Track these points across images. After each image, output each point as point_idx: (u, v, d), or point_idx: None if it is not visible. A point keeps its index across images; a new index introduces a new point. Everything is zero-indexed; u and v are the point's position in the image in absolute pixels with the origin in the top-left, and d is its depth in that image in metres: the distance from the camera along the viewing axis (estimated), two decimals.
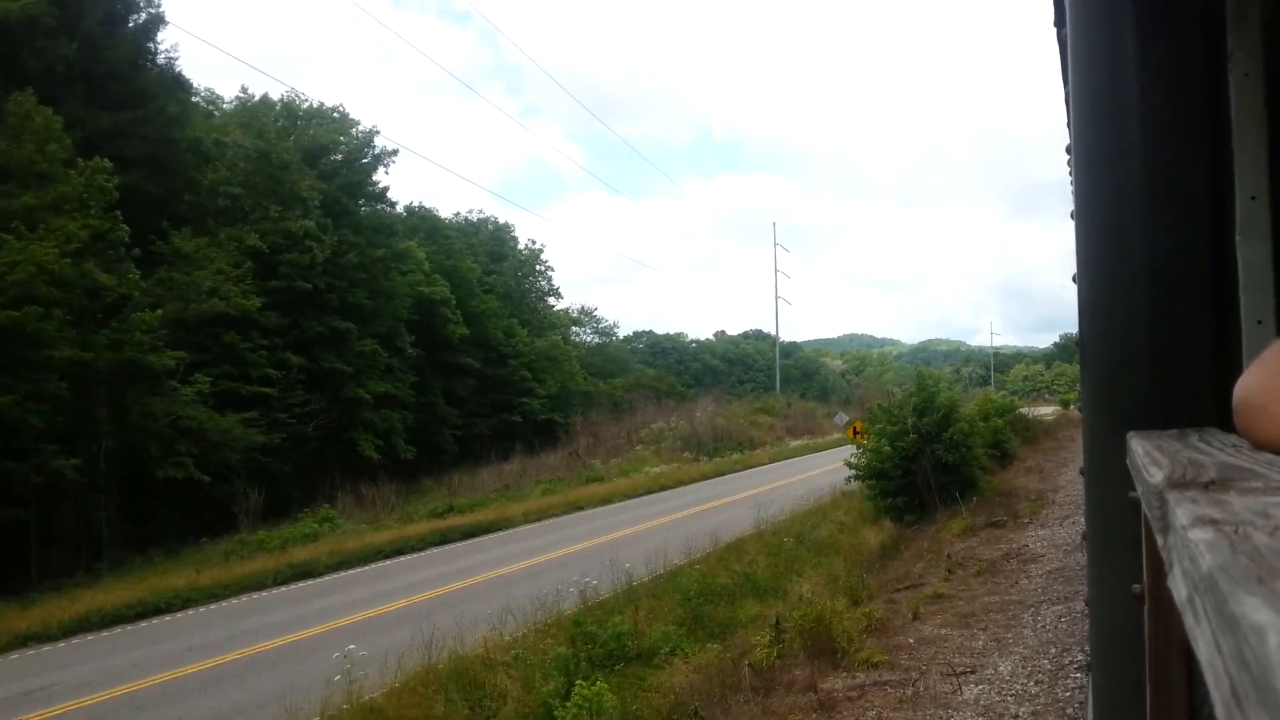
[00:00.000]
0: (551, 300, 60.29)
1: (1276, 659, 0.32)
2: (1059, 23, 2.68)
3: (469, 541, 19.60)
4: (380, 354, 33.54)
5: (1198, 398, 1.80)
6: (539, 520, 21.61)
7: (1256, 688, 0.32)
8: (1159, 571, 1.16)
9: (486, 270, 54.10)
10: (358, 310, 33.68)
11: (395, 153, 37.38)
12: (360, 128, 36.91)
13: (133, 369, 23.46)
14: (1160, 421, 1.65)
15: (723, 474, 30.04)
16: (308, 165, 34.07)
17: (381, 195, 37.24)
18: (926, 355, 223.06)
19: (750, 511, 20.10)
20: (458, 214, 58.95)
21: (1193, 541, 0.53)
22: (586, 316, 68.33)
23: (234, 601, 16.46)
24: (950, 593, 9.93)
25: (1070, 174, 2.65)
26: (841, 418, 36.04)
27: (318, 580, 17.58)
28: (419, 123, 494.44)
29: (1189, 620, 0.49)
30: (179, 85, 32.85)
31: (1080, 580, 8.90)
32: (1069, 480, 22.02)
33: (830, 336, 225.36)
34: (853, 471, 19.60)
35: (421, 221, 47.60)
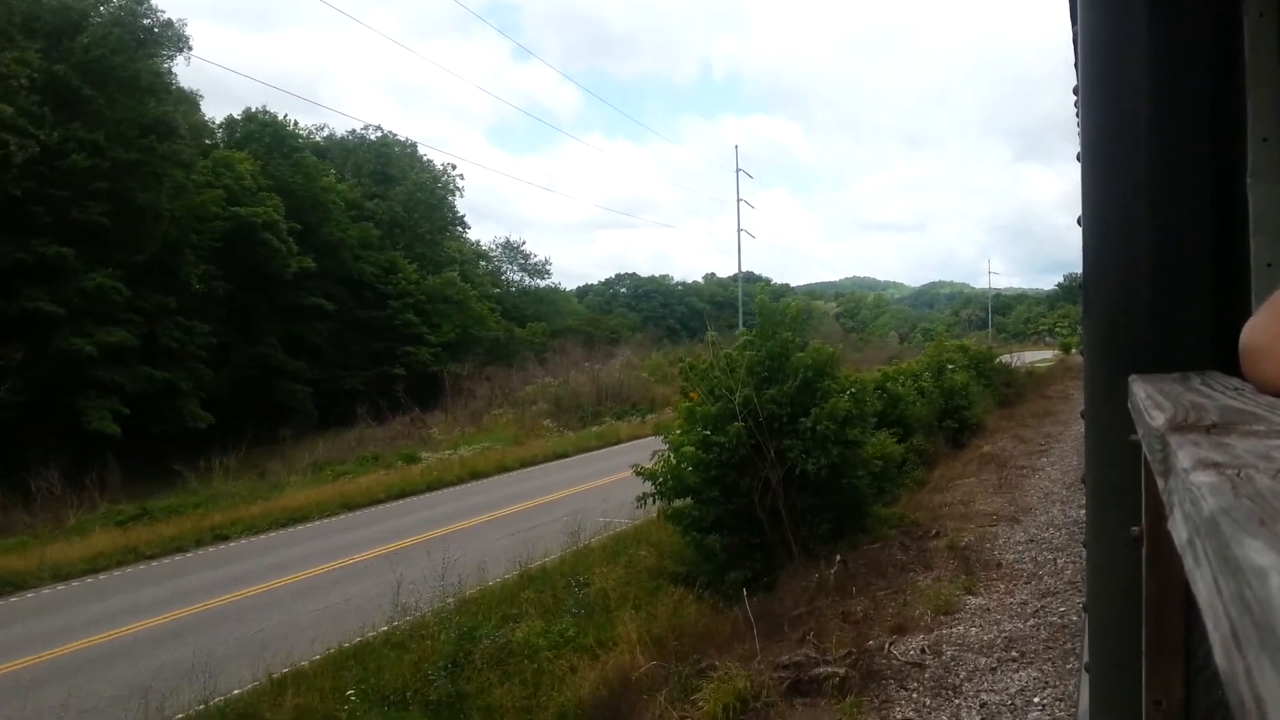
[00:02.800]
0: (459, 230, 50.84)
1: (1278, 601, 0.32)
2: None
3: None
4: (119, 291, 24.44)
5: (1200, 341, 1.75)
6: (95, 574, 12.49)
7: (1258, 630, 0.32)
8: (1159, 514, 1.17)
9: (368, 194, 44.81)
10: (90, 231, 24.53)
11: (181, 24, 27.71)
12: None
13: None
14: (1162, 364, 1.60)
15: (565, 455, 21.13)
16: (30, 37, 24.65)
17: (155, 85, 27.41)
18: (929, 298, 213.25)
19: (504, 544, 11.71)
20: (352, 131, 49.44)
21: (1194, 484, 0.53)
22: (513, 253, 58.96)
23: None
24: None
25: (1077, 115, 2.26)
26: None
27: None
28: (415, 64, 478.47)
29: (1189, 563, 0.49)
30: None
31: None
32: (1049, 485, 12.92)
33: (832, 280, 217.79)
34: (648, 485, 11.03)
35: (261, 129, 38.11)
